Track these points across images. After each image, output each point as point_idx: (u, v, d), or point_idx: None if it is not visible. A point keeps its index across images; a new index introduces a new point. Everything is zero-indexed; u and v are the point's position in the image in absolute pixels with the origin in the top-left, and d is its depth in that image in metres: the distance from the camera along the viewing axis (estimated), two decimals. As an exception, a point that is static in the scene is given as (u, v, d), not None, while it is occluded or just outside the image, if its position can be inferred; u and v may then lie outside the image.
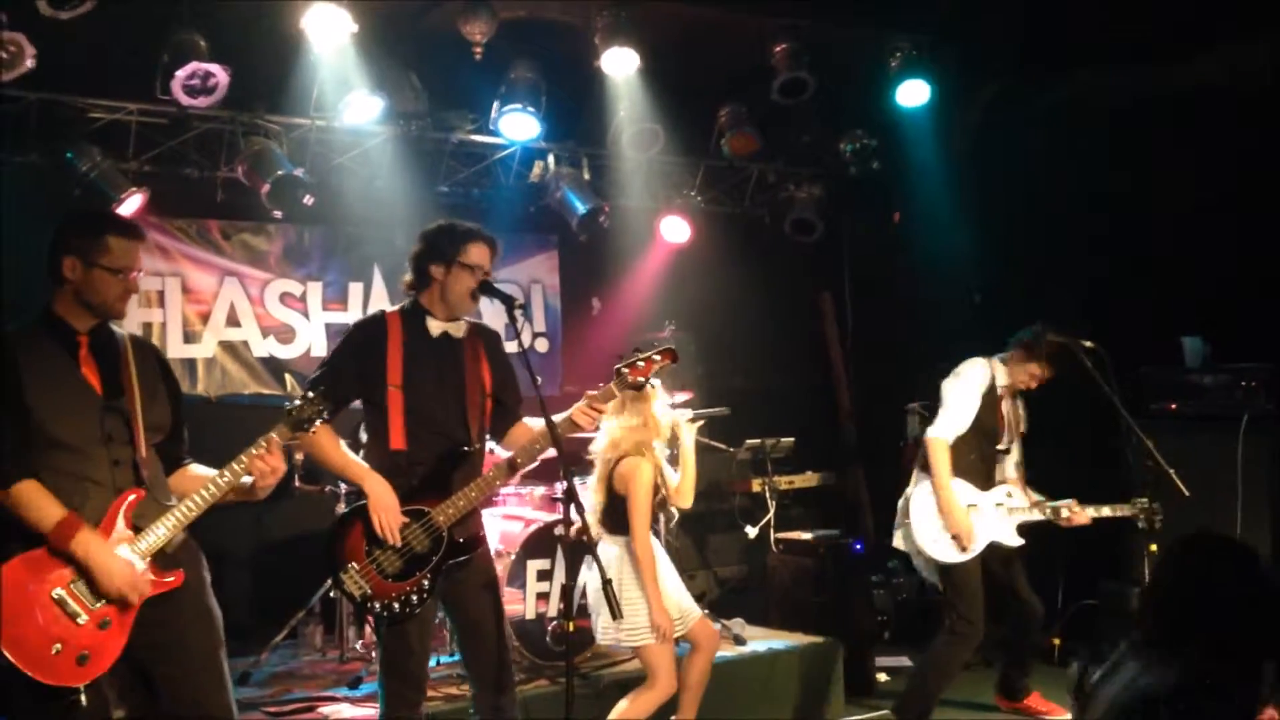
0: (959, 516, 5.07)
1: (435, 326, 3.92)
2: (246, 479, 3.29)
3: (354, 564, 3.70)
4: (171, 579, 3.20)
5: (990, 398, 5.21)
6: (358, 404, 3.96)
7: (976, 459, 5.22)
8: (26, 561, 3.04)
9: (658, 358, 3.94)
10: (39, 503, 3.05)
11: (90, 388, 3.21)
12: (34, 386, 3.11)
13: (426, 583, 3.73)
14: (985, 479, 5.24)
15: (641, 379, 3.95)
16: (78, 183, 5.64)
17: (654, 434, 4.44)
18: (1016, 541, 5.20)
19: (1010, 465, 5.36)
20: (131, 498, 3.19)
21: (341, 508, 5.38)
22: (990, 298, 5.72)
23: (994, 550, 5.21)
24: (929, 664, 5.27)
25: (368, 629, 5.62)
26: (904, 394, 7.48)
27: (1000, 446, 5.28)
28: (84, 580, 3.07)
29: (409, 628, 3.77)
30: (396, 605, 3.70)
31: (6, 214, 5.47)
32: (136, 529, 3.17)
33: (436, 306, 3.92)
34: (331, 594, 5.52)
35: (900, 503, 5.31)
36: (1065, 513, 5.16)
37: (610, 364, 3.98)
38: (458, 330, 3.96)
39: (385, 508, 3.68)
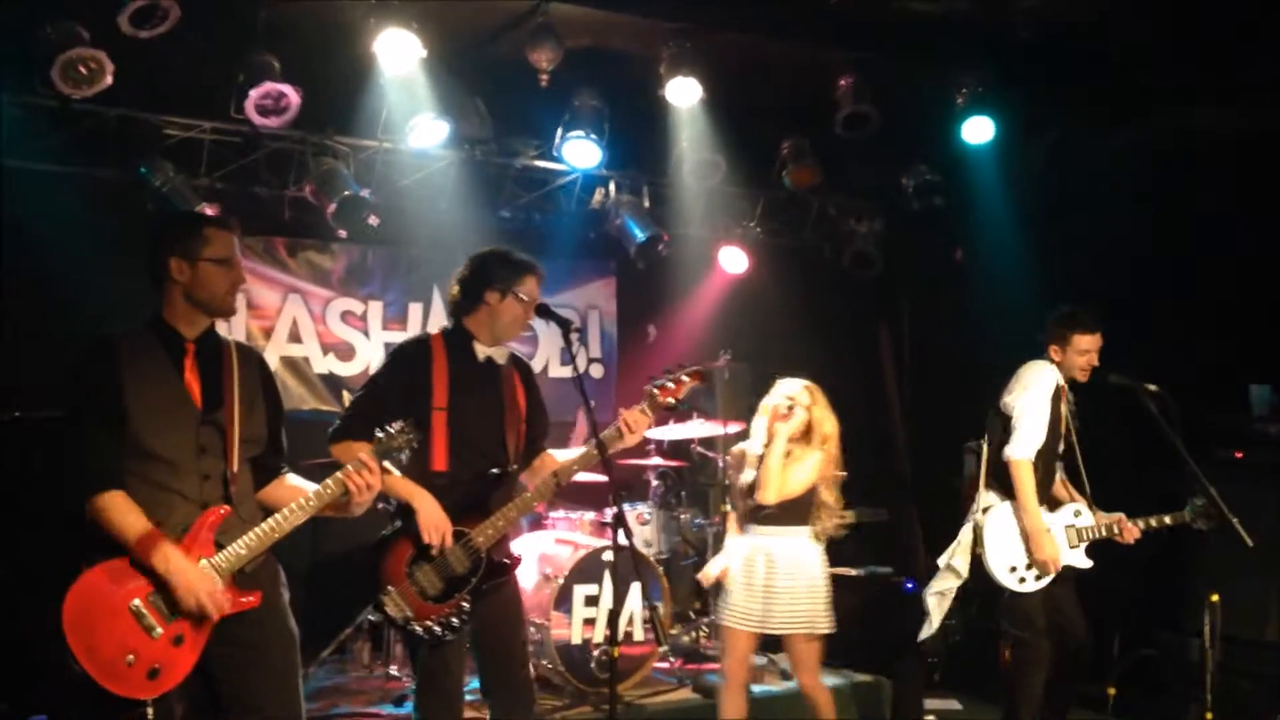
0: (1048, 544, 4.85)
1: (480, 351, 3.96)
2: (340, 497, 3.29)
3: (394, 586, 3.69)
4: (249, 599, 3.19)
5: (1056, 402, 5.01)
6: None
7: (1044, 472, 5.00)
8: (108, 570, 3.04)
9: (686, 378, 4.07)
10: (123, 514, 3.05)
11: (190, 400, 3.21)
12: (135, 395, 3.12)
13: (466, 604, 3.73)
14: (1047, 490, 5.03)
15: (672, 400, 4.05)
16: (151, 197, 5.78)
17: (773, 421, 4.72)
18: (1087, 564, 5.00)
19: (1058, 473, 5.15)
20: (219, 514, 3.18)
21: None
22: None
23: (1062, 589, 5.02)
24: (1011, 698, 5.07)
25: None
26: (961, 432, 7.38)
27: (1060, 450, 5.07)
28: (162, 594, 3.06)
29: (448, 651, 3.76)
30: (437, 627, 3.69)
31: (84, 227, 5.62)
32: (219, 545, 3.17)
33: (482, 331, 3.96)
34: (372, 617, 5.54)
35: (968, 528, 5.02)
36: (1116, 528, 4.99)
37: (648, 379, 4.06)
38: (501, 356, 4.01)
39: (438, 525, 3.68)
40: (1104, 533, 5.02)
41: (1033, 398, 4.96)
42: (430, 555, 3.70)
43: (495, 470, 3.87)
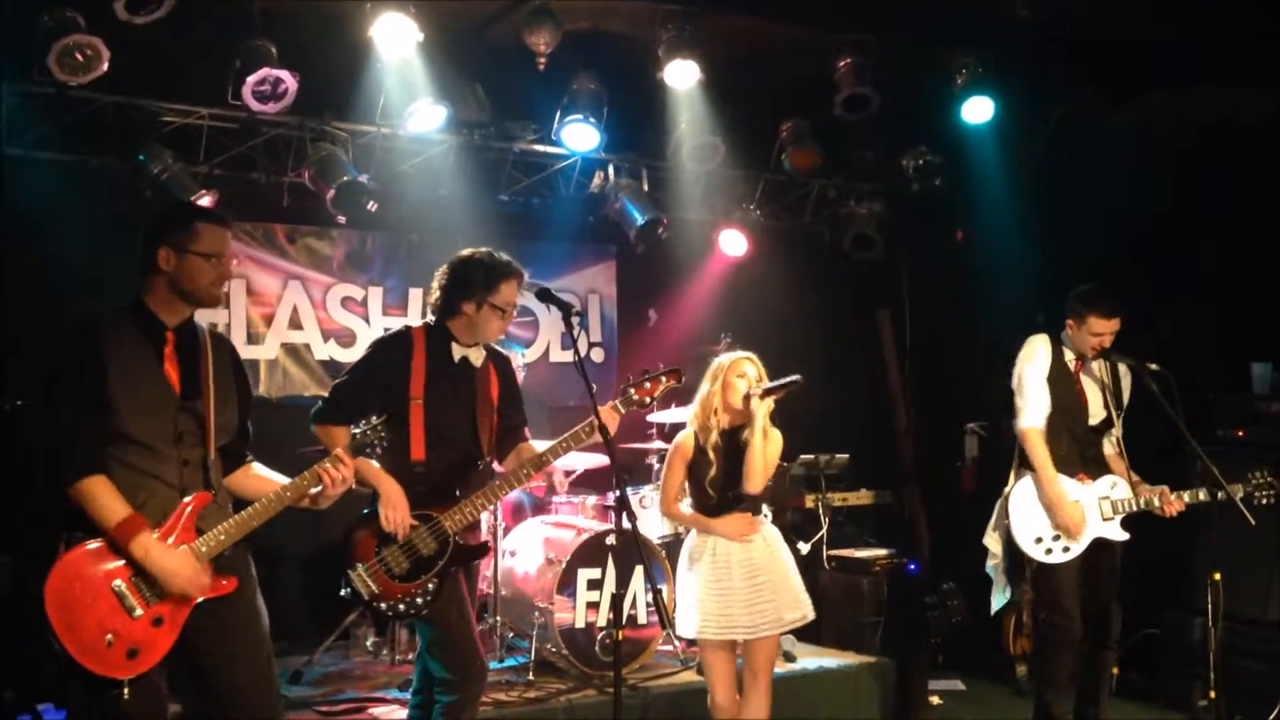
0: (1067, 509, 4.82)
1: (457, 351, 4.04)
2: (314, 489, 3.37)
3: (362, 564, 3.80)
4: (226, 584, 3.25)
5: (1061, 373, 4.99)
6: None
7: (1070, 444, 4.97)
8: (91, 551, 3.09)
9: (664, 379, 4.07)
10: (104, 500, 3.09)
11: (170, 386, 3.25)
12: (116, 379, 3.15)
13: (432, 586, 3.81)
14: (1083, 464, 4.98)
15: (647, 398, 4.04)
16: (149, 184, 5.77)
17: (727, 404, 4.34)
18: (1122, 536, 4.94)
19: (1109, 444, 5.09)
20: (197, 500, 3.23)
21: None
22: (1054, 319, 5.64)
23: (1103, 558, 4.98)
24: (1036, 679, 5.10)
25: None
26: (962, 414, 7.39)
27: (1092, 423, 5.02)
28: (144, 575, 3.12)
29: (464, 627, 3.85)
30: (402, 606, 3.80)
31: (82, 214, 5.61)
32: (199, 531, 3.21)
33: (462, 334, 4.04)
34: (341, 592, 5.55)
35: (999, 503, 5.05)
36: (1157, 501, 4.91)
37: (623, 378, 4.09)
38: (477, 358, 4.08)
39: (395, 505, 3.78)
40: (1143, 505, 4.94)
41: (1022, 369, 5.01)
42: (398, 537, 3.79)
43: (477, 460, 3.97)
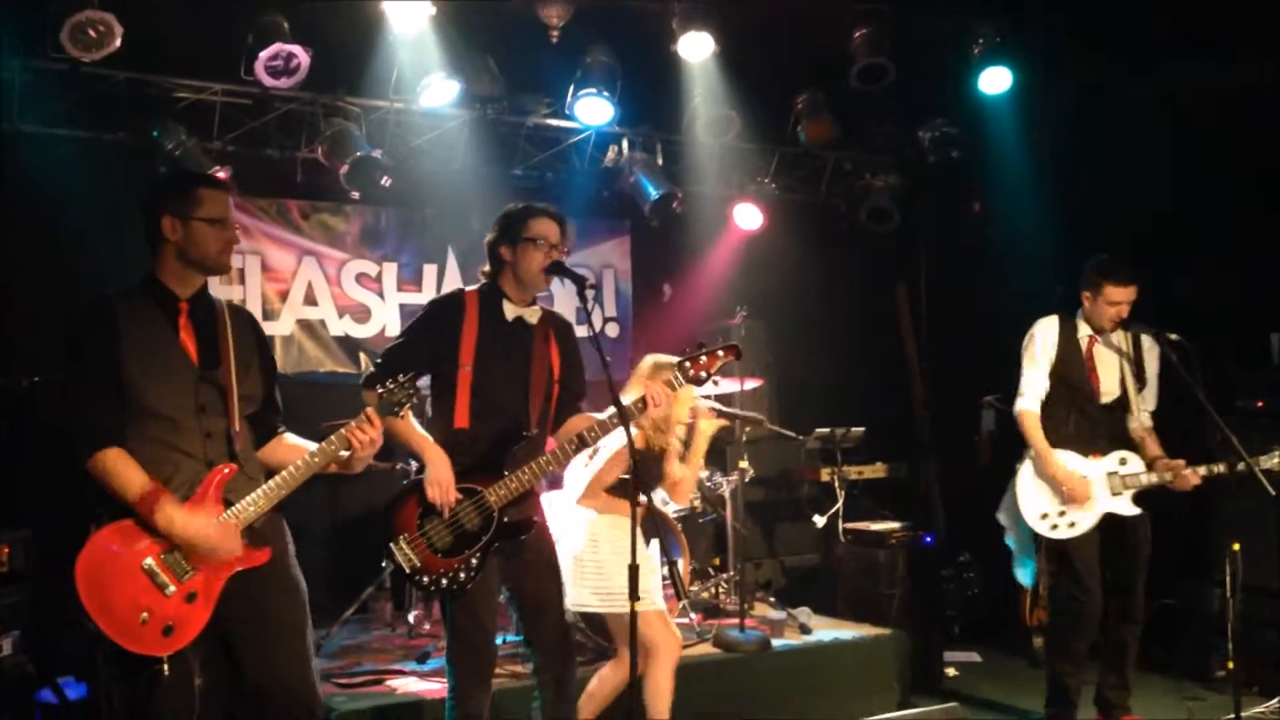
0: (1072, 481, 4.85)
1: (510, 310, 3.94)
2: (344, 453, 3.32)
3: (405, 536, 3.73)
4: (259, 555, 3.22)
5: (1071, 351, 4.98)
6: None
7: (1079, 421, 4.97)
8: (119, 530, 3.08)
9: (721, 354, 3.90)
10: (124, 472, 3.07)
11: (187, 357, 3.23)
12: (133, 354, 3.13)
13: (475, 561, 3.74)
14: (1093, 441, 4.97)
15: (704, 373, 3.88)
16: (163, 160, 5.77)
17: (674, 412, 4.34)
18: (1133, 511, 4.92)
19: (1137, 421, 5.05)
20: (225, 472, 3.20)
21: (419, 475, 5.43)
22: (1073, 290, 5.61)
23: (1120, 535, 4.96)
24: (1049, 652, 5.14)
25: (434, 607, 5.68)
26: (979, 386, 7.35)
27: (1105, 401, 4.99)
28: (175, 551, 3.10)
29: (476, 605, 3.79)
30: (444, 580, 3.72)
31: (96, 190, 5.62)
32: (227, 503, 3.19)
33: (511, 288, 3.95)
34: (383, 564, 5.53)
35: (1010, 482, 5.09)
36: (1170, 476, 4.88)
37: (678, 351, 3.96)
38: (532, 316, 3.98)
39: (441, 479, 3.71)
40: (1154, 481, 4.91)
41: (1028, 351, 5.06)
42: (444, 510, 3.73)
43: (525, 432, 3.86)
